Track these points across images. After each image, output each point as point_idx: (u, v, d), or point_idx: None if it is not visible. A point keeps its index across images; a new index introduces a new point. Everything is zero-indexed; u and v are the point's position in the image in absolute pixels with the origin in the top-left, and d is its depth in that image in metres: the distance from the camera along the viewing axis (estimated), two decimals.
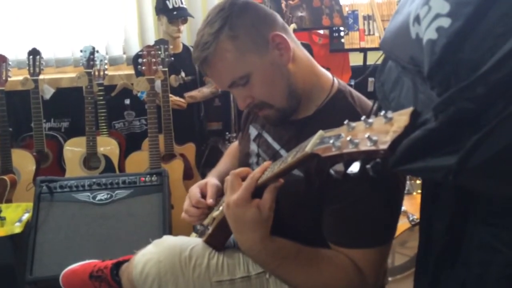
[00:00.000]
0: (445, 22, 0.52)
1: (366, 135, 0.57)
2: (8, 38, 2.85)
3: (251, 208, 0.89)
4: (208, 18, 1.02)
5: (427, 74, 0.53)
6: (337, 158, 0.64)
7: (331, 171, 0.65)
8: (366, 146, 0.57)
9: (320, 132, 0.74)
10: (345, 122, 0.65)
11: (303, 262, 0.95)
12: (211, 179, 1.27)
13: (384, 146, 0.53)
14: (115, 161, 2.59)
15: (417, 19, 0.57)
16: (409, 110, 0.55)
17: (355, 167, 0.59)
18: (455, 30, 0.51)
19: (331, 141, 0.65)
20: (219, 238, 1.13)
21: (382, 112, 0.57)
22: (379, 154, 0.55)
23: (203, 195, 1.22)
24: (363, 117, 0.62)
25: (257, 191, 0.91)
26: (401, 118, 0.55)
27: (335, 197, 0.97)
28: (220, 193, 1.23)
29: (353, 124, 0.64)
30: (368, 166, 0.55)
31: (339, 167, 0.63)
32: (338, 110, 1.05)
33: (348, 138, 0.60)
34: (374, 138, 0.56)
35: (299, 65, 1.06)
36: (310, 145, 0.73)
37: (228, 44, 0.99)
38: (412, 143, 0.50)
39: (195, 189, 1.24)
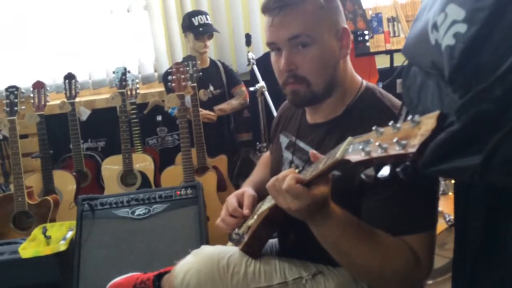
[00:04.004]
0: (462, 28, 0.53)
1: (395, 140, 0.59)
2: (45, 64, 3.01)
3: (310, 205, 0.86)
4: None
5: (448, 78, 0.55)
6: (367, 163, 0.65)
7: (362, 176, 0.66)
8: (395, 150, 0.58)
9: (350, 139, 0.76)
10: (374, 128, 0.67)
11: (364, 233, 0.94)
12: (248, 189, 1.30)
13: (412, 150, 0.55)
14: (151, 176, 2.67)
15: (435, 26, 0.59)
16: (436, 113, 0.56)
17: (385, 171, 0.60)
18: (471, 35, 0.52)
19: (361, 147, 0.66)
20: (255, 246, 1.16)
21: (409, 117, 0.59)
22: (408, 157, 0.56)
23: (240, 205, 1.25)
24: (390, 122, 0.63)
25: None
26: (428, 121, 0.56)
27: (378, 188, 0.97)
28: (256, 203, 1.26)
29: (382, 129, 0.66)
30: (398, 169, 0.57)
31: (370, 171, 0.65)
32: (368, 106, 1.09)
33: (377, 143, 0.62)
34: (403, 142, 0.57)
35: (346, 65, 1.13)
36: (340, 152, 0.75)
37: (316, 4, 1.05)
38: (438, 145, 0.51)
39: (232, 198, 1.27)
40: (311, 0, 1.05)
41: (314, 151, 0.92)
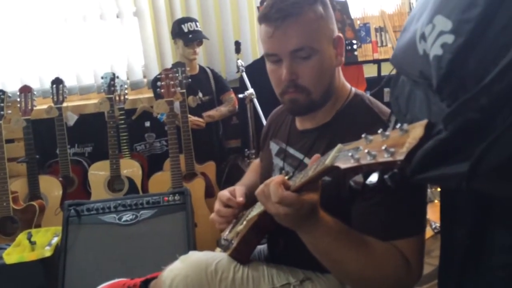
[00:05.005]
0: (449, 38, 0.55)
1: (384, 147, 0.60)
2: (33, 69, 2.98)
3: (298, 210, 0.86)
4: None
5: (436, 88, 0.56)
6: (356, 169, 0.66)
7: (351, 182, 0.67)
8: (383, 157, 0.59)
9: (339, 146, 0.77)
10: (363, 135, 0.68)
11: (353, 240, 0.94)
12: (239, 186, 1.30)
13: (400, 157, 0.56)
14: (138, 182, 2.65)
15: (423, 37, 0.60)
16: (424, 122, 0.57)
17: (373, 178, 0.61)
18: (458, 46, 0.54)
19: (350, 154, 0.67)
20: (243, 252, 1.16)
21: (398, 125, 0.60)
22: (396, 165, 0.57)
23: (233, 197, 1.24)
24: (380, 130, 0.65)
25: None
26: (416, 130, 0.58)
27: (366, 194, 0.98)
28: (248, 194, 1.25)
29: (371, 137, 0.67)
30: (386, 176, 0.58)
31: (358, 178, 0.66)
32: (356, 112, 1.11)
33: (366, 151, 0.63)
34: (391, 149, 0.58)
35: (339, 73, 1.15)
36: (330, 158, 0.75)
37: (317, 13, 1.05)
38: (426, 153, 0.52)
39: (224, 191, 1.27)
40: (312, 9, 1.05)
41: (319, 155, 0.90)
